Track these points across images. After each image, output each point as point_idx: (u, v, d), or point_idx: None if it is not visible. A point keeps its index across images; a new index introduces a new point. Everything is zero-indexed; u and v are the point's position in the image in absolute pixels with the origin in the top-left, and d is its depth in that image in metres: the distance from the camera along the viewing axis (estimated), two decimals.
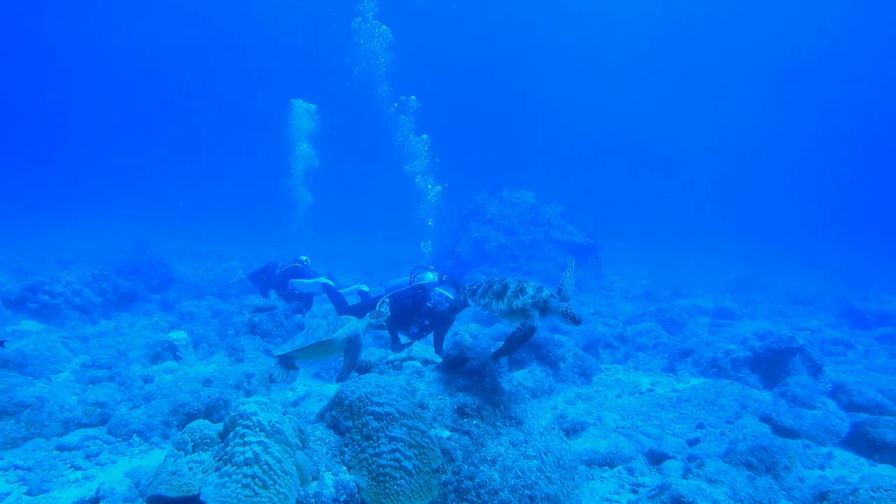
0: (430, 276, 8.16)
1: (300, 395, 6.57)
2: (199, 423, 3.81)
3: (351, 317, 5.20)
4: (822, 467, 5.87)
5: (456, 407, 4.28)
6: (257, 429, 3.60)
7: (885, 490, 3.61)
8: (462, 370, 4.58)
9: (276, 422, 3.68)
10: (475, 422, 4.23)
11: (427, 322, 7.76)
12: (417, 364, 4.74)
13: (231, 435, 3.61)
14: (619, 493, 5.13)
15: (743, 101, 65.92)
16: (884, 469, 5.75)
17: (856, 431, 6.49)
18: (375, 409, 4.02)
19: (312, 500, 3.60)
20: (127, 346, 7.61)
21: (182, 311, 11.45)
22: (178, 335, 7.97)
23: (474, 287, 4.68)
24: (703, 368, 9.33)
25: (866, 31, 54.14)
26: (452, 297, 7.64)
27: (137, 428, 5.46)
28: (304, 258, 10.79)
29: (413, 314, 7.73)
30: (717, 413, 7.35)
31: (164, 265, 16.03)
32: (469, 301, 4.66)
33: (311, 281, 10.13)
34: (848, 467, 5.85)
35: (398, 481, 3.79)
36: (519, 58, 65.90)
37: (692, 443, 6.37)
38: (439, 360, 4.90)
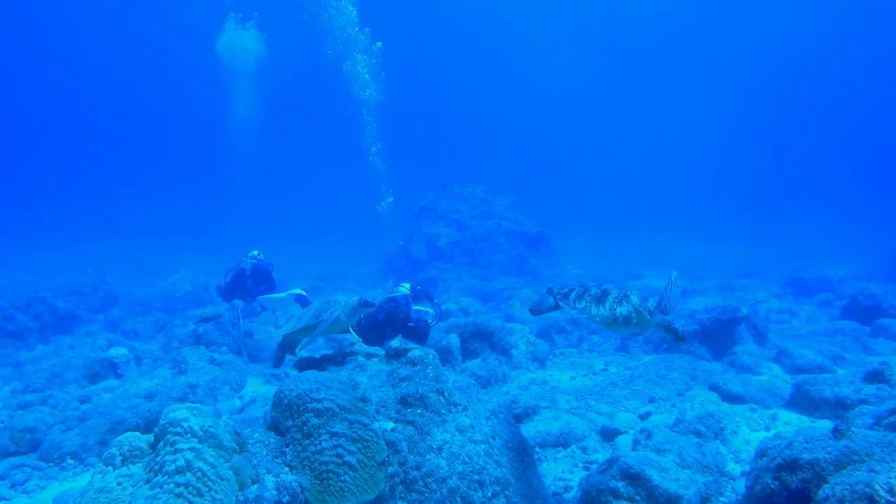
0: (403, 290, 7.83)
1: (247, 401, 6.41)
2: (127, 436, 3.63)
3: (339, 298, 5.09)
4: (767, 429, 6.01)
5: (399, 397, 4.21)
6: (189, 435, 3.45)
7: (816, 440, 3.70)
8: (404, 360, 4.50)
9: (208, 426, 3.53)
10: (419, 411, 4.16)
11: (401, 335, 7.51)
12: (360, 358, 4.65)
13: (161, 444, 3.45)
14: (572, 472, 5.14)
15: (686, 79, 67.33)
16: (823, 424, 5.90)
17: (797, 391, 6.67)
18: (315, 405, 3.91)
19: None
20: (63, 368, 7.29)
21: (126, 328, 11.08)
22: (118, 352, 7.68)
23: (566, 291, 4.45)
24: (654, 345, 9.47)
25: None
26: (432, 313, 7.53)
27: (71, 450, 5.22)
28: (255, 253, 10.44)
29: (385, 328, 7.49)
30: (668, 386, 7.46)
31: (106, 284, 15.50)
32: (561, 303, 4.36)
33: (284, 294, 9.83)
34: (791, 426, 5.99)
35: (342, 477, 3.69)
36: (462, 54, 66.01)
37: (644, 417, 6.45)
38: (381, 352, 4.82)
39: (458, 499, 3.85)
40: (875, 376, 6.46)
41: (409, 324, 7.32)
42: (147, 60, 61.98)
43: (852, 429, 3.85)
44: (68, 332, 12.38)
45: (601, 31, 63.89)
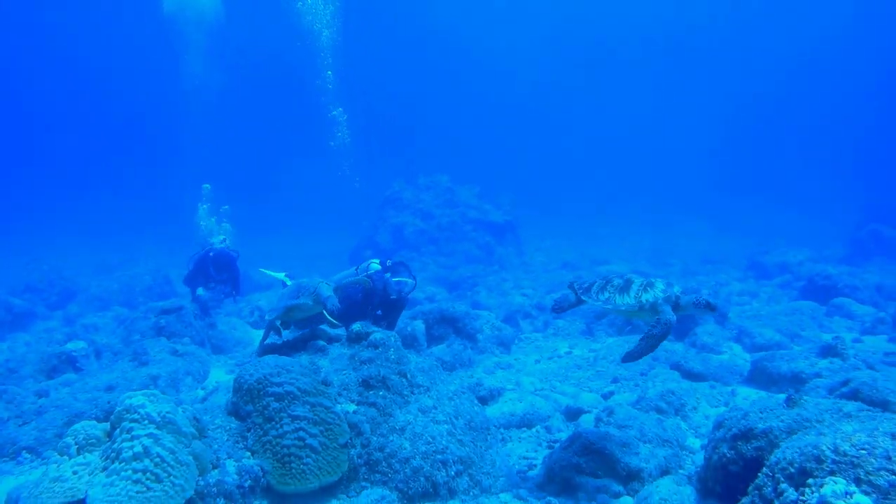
0: (374, 266, 7.80)
1: (209, 390, 6.32)
2: (83, 425, 3.57)
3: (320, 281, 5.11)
4: (726, 404, 6.15)
5: (361, 380, 4.21)
6: (146, 421, 3.41)
7: (770, 410, 3.81)
8: (366, 343, 4.50)
9: (166, 412, 3.49)
10: (381, 393, 4.16)
11: (380, 312, 7.54)
12: (321, 342, 4.63)
13: (118, 431, 3.40)
14: (536, 451, 5.20)
15: (650, 64, 67.91)
16: (780, 398, 6.07)
17: (755, 368, 6.86)
18: (275, 389, 3.89)
19: (214, 489, 3.46)
20: (18, 363, 7.09)
21: (85, 324, 10.83)
22: (77, 345, 7.51)
23: (586, 284, 4.35)
24: (618, 328, 9.61)
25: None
26: (411, 283, 7.56)
27: (27, 444, 5.10)
28: (221, 238, 10.20)
29: (365, 307, 7.48)
30: (631, 367, 7.55)
31: (63, 280, 15.12)
32: (583, 297, 4.29)
33: (279, 275, 9.54)
34: (749, 401, 6.15)
35: (304, 460, 3.69)
36: (426, 44, 65.54)
37: (607, 396, 6.55)
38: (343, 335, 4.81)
39: (422, 478, 3.87)
40: (828, 350, 6.68)
41: (392, 297, 7.40)
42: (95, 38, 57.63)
43: (804, 398, 3.98)
44: (25, 330, 12.04)
45: (559, 20, 63.91)
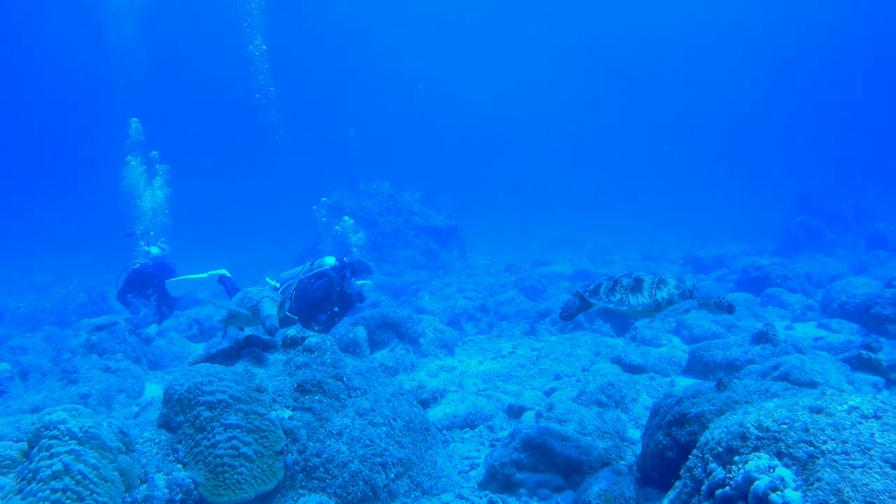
0: (330, 261, 7.73)
1: (143, 405, 6.13)
2: None
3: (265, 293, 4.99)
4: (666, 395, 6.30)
5: (296, 385, 4.15)
6: (67, 437, 3.27)
7: (701, 394, 3.93)
8: (301, 347, 4.44)
9: (89, 427, 3.36)
10: (317, 397, 4.11)
11: (336, 308, 7.52)
12: (257, 350, 4.54)
13: (35, 450, 3.25)
14: (478, 450, 5.22)
15: (586, 71, 68.95)
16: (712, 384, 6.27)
17: (692, 358, 7.09)
18: (207, 398, 3.79)
19: None
20: None
21: (12, 345, 10.30)
22: (0, 367, 7.15)
23: (593, 287, 4.26)
24: (560, 326, 9.76)
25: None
26: (370, 283, 7.72)
27: None
28: (155, 249, 9.84)
29: (323, 303, 7.44)
30: (573, 364, 7.72)
31: None
32: (591, 300, 4.19)
33: (206, 274, 9.21)
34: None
35: (238, 469, 3.61)
36: (359, 45, 64.60)
37: (549, 393, 6.64)
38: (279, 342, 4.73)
39: (361, 482, 3.84)
40: (760, 337, 6.96)
41: (352, 294, 7.46)
42: None
43: (734, 381, 4.12)
44: None
45: (500, 20, 64.10)
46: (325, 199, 20.55)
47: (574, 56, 67.43)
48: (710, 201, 43.93)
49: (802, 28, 55.87)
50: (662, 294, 4.02)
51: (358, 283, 7.62)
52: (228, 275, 9.11)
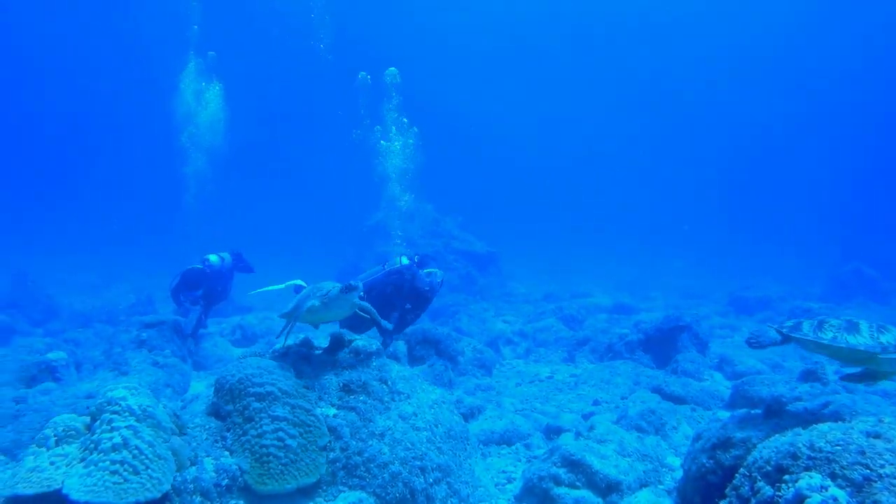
0: (405, 260, 7.82)
1: (188, 400, 6.30)
2: (62, 417, 3.56)
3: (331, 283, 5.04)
4: None
5: (341, 384, 4.24)
6: (126, 413, 3.41)
7: (748, 420, 3.93)
8: (348, 350, 4.54)
9: (147, 406, 3.51)
10: (362, 398, 4.19)
11: (409, 306, 7.63)
12: (303, 350, 4.65)
13: (98, 423, 3.41)
14: (515, 466, 5.22)
15: (631, 103, 68.39)
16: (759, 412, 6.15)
17: (736, 392, 6.93)
18: (257, 389, 3.91)
19: (191, 486, 3.45)
20: None
21: (66, 338, 10.71)
22: (58, 355, 7.43)
23: (790, 324, 4.15)
24: (599, 355, 9.67)
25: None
26: (440, 273, 7.77)
27: (3, 447, 5.04)
28: (224, 256, 10.11)
29: (394, 300, 7.56)
30: (611, 391, 7.64)
31: (48, 298, 14.96)
32: (793, 335, 4.05)
33: (283, 285, 9.40)
34: None
35: (282, 460, 3.70)
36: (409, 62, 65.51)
37: (587, 416, 6.57)
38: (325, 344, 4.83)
39: (400, 484, 3.88)
40: (809, 375, 6.79)
41: (425, 288, 7.55)
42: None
43: (785, 408, 4.06)
44: (6, 345, 11.86)
45: (545, 47, 63.91)
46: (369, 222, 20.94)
47: (607, 86, 66.94)
48: (751, 241, 43.06)
49: (844, 62, 54.34)
50: (888, 338, 3.77)
51: (425, 270, 7.68)
52: (305, 284, 9.29)
